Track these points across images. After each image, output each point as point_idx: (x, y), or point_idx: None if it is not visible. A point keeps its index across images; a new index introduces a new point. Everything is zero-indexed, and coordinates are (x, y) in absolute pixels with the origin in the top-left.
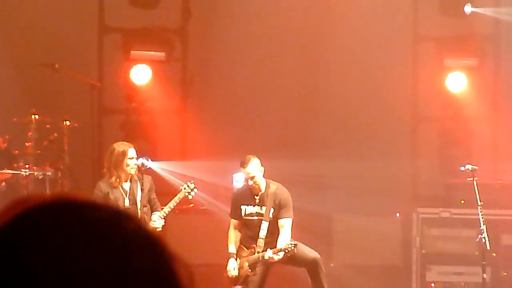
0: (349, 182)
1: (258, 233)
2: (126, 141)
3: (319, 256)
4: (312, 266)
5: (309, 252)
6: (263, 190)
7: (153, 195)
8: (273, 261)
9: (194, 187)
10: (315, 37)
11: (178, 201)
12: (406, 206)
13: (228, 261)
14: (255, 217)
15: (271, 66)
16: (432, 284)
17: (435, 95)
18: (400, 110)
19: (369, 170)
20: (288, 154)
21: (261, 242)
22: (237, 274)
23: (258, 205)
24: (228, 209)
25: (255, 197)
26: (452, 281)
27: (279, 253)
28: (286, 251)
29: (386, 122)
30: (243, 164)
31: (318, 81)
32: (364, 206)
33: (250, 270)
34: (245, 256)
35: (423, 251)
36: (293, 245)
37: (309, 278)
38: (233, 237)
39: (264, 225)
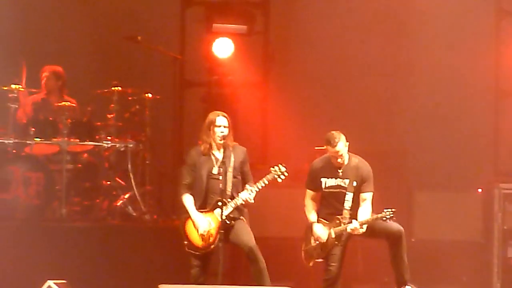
0: (430, 157)
1: (343, 204)
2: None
3: (402, 228)
4: (394, 238)
5: (393, 224)
6: (346, 163)
7: (246, 168)
8: (357, 233)
9: (285, 171)
10: (397, 12)
11: (267, 182)
12: (488, 181)
13: (308, 231)
14: (337, 190)
15: (353, 40)
16: None
17: None
18: (482, 85)
19: (450, 145)
20: (369, 129)
21: (346, 214)
22: (325, 241)
23: (340, 178)
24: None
25: (338, 170)
26: None
27: (363, 226)
28: (384, 218)
29: (469, 97)
30: (332, 143)
31: (399, 55)
32: (446, 181)
33: (336, 242)
34: (328, 226)
35: (505, 227)
36: (391, 212)
37: (389, 251)
38: (312, 206)
39: (349, 197)
